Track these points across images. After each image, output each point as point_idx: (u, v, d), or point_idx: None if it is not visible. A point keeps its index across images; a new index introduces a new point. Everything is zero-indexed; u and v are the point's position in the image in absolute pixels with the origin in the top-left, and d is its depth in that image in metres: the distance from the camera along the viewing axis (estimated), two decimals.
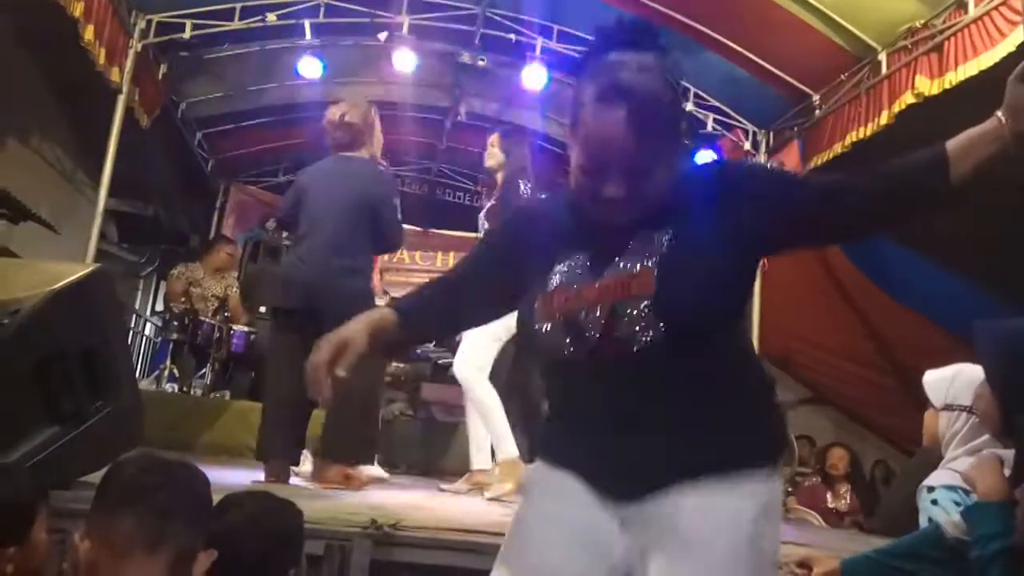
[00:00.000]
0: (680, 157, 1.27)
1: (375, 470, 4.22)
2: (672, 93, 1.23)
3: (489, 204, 3.98)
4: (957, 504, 1.97)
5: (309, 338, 3.33)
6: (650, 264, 1.23)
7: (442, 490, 3.82)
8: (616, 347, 1.22)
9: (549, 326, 1.27)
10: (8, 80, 5.15)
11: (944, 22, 4.59)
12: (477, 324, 1.98)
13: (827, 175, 1.36)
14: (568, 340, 1.25)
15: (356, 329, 1.30)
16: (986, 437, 2.00)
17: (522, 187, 3.67)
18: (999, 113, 1.16)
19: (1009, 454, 1.71)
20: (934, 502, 2.06)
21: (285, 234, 8.52)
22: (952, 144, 1.19)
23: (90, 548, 1.35)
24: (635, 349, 1.20)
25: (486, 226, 3.98)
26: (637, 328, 1.20)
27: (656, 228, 1.25)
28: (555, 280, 1.29)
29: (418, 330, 1.51)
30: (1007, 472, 1.68)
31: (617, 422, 1.27)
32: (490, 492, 3.48)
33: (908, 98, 4.70)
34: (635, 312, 1.21)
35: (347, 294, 3.40)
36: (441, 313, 1.47)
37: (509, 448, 3.54)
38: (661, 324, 1.19)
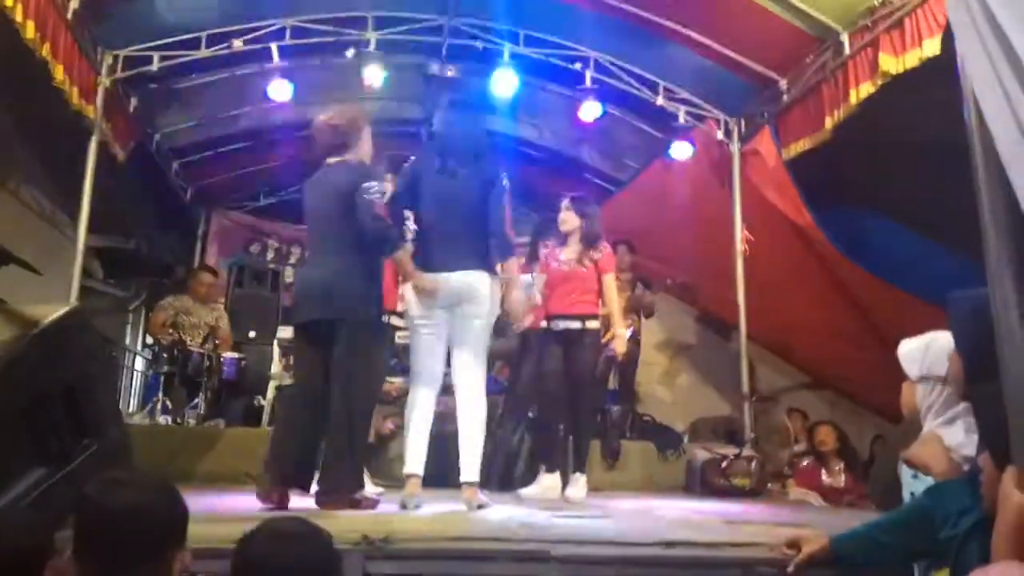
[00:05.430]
0: None
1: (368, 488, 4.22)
2: None
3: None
4: None
5: (327, 349, 3.38)
6: None
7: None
8: None
9: None
10: None
11: None
12: None
13: None
14: None
15: None
16: (963, 406, 2.02)
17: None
18: None
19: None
20: (915, 476, 2.09)
21: (270, 257, 8.60)
22: None
23: None
24: None
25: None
26: None
27: None
28: None
29: None
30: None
31: None
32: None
33: (869, 86, 4.77)
34: None
35: (350, 295, 3.37)
36: None
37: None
38: None
